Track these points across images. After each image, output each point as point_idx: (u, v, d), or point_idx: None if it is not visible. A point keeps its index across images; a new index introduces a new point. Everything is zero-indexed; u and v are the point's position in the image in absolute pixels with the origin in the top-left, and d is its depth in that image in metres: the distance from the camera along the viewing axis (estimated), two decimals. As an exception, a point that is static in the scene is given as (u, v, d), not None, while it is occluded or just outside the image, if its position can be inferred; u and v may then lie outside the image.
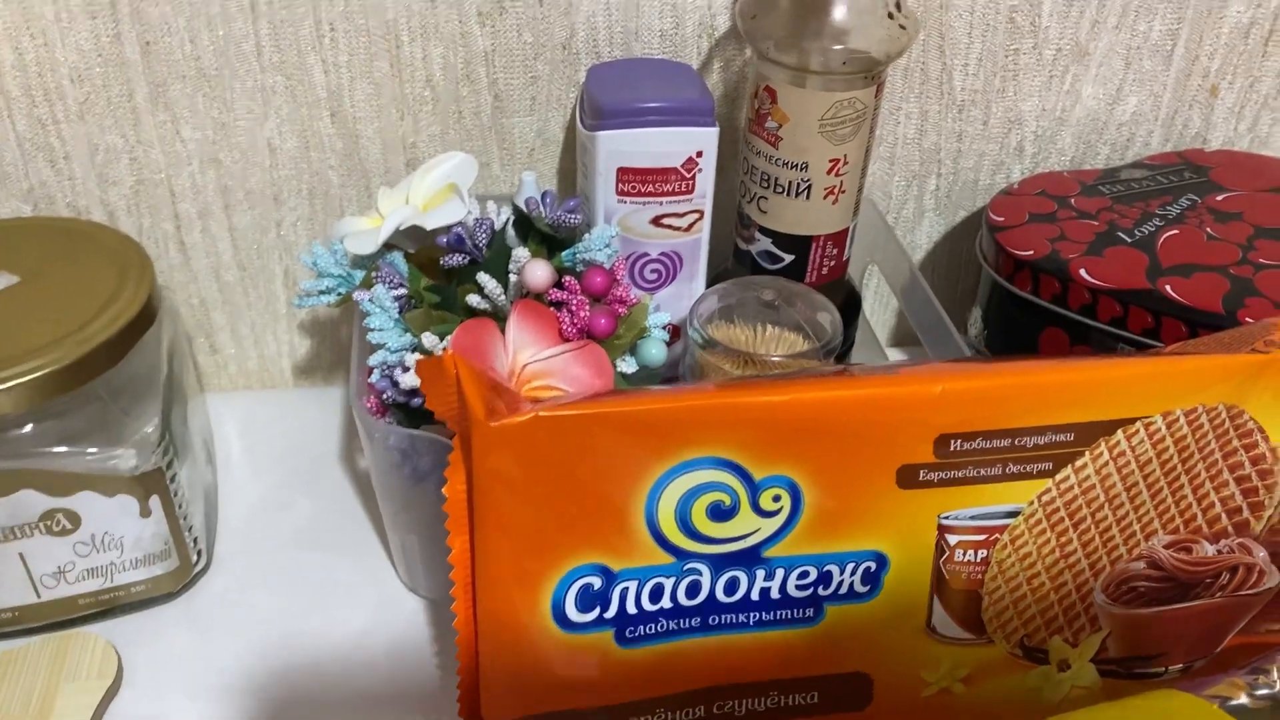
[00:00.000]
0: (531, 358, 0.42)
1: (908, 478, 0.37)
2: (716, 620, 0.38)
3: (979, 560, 0.39)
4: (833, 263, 0.49)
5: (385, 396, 0.42)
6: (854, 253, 0.51)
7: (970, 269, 0.59)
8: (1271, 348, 0.39)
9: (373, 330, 0.42)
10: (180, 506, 0.44)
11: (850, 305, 0.52)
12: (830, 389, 0.36)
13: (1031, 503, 0.38)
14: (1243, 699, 0.37)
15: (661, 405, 0.35)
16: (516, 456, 0.34)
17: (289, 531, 0.49)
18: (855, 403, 0.36)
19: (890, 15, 0.43)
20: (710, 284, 0.51)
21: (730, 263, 0.52)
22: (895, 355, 0.58)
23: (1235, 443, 0.39)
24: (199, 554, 0.46)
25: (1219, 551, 0.40)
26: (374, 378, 0.43)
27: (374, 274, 0.44)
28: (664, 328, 0.46)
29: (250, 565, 0.47)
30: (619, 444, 0.35)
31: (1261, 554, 0.41)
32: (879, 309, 0.60)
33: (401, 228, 0.44)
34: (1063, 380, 0.37)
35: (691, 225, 0.48)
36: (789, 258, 0.49)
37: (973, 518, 0.38)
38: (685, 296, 0.50)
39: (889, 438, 0.36)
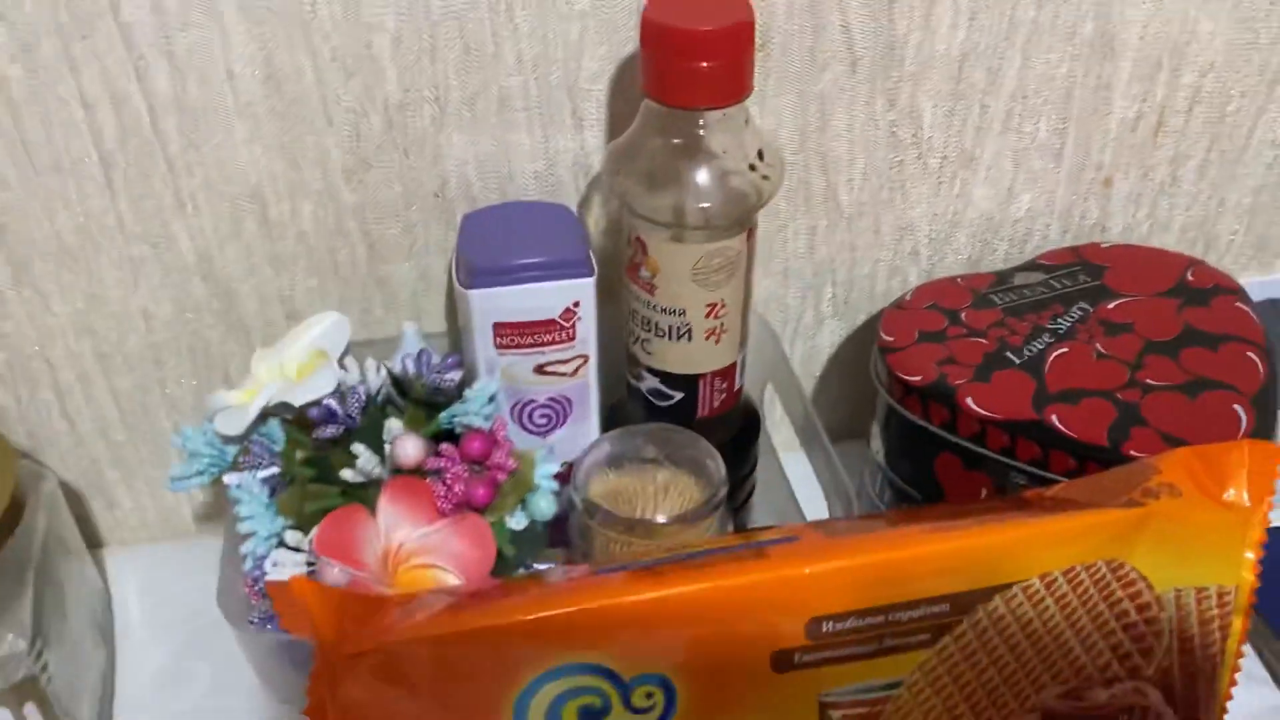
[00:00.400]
0: (407, 536, 0.41)
1: (782, 662, 0.36)
2: (602, 812, 0.37)
3: (865, 731, 0.38)
4: (724, 395, 0.48)
5: (258, 586, 0.41)
6: (753, 369, 0.50)
7: (876, 372, 0.58)
8: (1148, 498, 0.38)
9: (242, 519, 0.41)
10: (59, 705, 0.43)
11: (748, 428, 0.51)
12: (695, 581, 0.35)
13: (913, 672, 0.37)
14: None
15: (519, 619, 0.34)
16: (372, 678, 0.33)
17: (188, 706, 0.48)
18: (722, 594, 0.35)
19: (753, 167, 0.42)
20: (606, 417, 0.50)
21: (625, 395, 0.51)
22: (800, 462, 0.57)
23: (1119, 593, 0.38)
24: (89, 745, 0.45)
25: (1112, 696, 0.40)
26: (247, 566, 0.42)
27: (242, 458, 0.43)
28: (554, 477, 0.45)
29: (145, 749, 0.46)
30: (479, 657, 0.34)
31: (1156, 696, 0.40)
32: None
33: (271, 404, 0.43)
34: (933, 552, 0.36)
35: (577, 370, 0.47)
36: (678, 395, 0.48)
37: (854, 691, 0.37)
38: (579, 437, 0.49)
39: (760, 624, 0.36)
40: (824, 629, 0.36)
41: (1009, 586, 0.37)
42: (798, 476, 0.52)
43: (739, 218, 0.43)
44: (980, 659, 0.38)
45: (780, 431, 0.59)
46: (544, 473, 0.45)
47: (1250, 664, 0.50)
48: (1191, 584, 0.39)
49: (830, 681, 0.37)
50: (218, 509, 0.56)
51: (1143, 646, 0.39)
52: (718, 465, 0.44)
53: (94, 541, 0.55)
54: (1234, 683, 0.41)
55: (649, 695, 0.35)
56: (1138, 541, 0.38)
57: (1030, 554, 0.37)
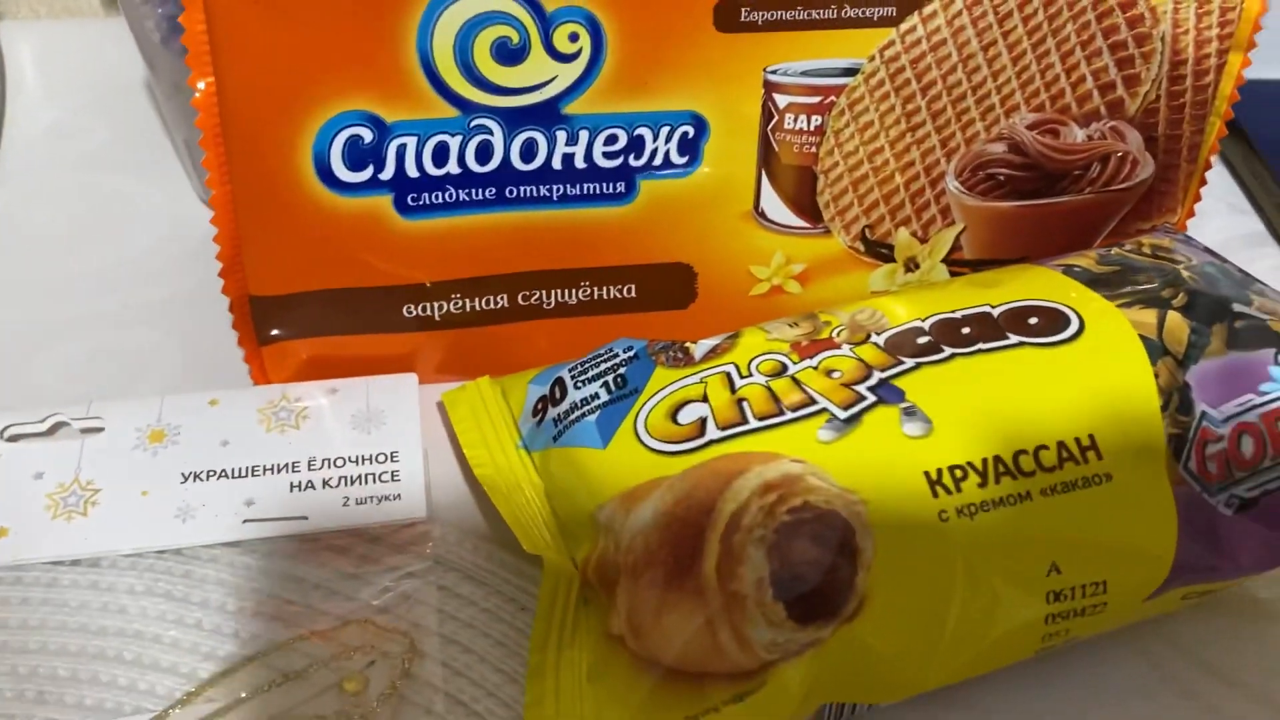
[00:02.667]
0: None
1: (727, 17, 0.32)
2: (514, 192, 0.33)
3: (813, 129, 0.34)
4: None
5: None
6: None
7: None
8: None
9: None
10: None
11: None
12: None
13: (873, 58, 0.33)
14: (1090, 265, 0.33)
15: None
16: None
17: (81, 154, 0.44)
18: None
19: None
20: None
21: None
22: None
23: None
24: (-33, 166, 0.41)
25: (1089, 137, 0.36)
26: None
27: None
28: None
29: (34, 184, 0.42)
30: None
31: (1135, 140, 0.36)
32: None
33: None
34: (911, -99, 0.32)
35: None
36: None
37: (804, 74, 0.33)
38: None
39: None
40: (778, -29, 0.32)
41: (991, -42, 0.33)
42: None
43: None
44: (949, 51, 0.33)
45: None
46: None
47: (1234, 197, 0.46)
48: (1193, -7, 0.34)
49: (780, 53, 0.33)
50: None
51: (1129, 74, 0.35)
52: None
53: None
54: (1224, 133, 0.37)
55: (573, 37, 0.31)
56: (1142, -69, 0.33)
57: (1020, -82, 0.32)
